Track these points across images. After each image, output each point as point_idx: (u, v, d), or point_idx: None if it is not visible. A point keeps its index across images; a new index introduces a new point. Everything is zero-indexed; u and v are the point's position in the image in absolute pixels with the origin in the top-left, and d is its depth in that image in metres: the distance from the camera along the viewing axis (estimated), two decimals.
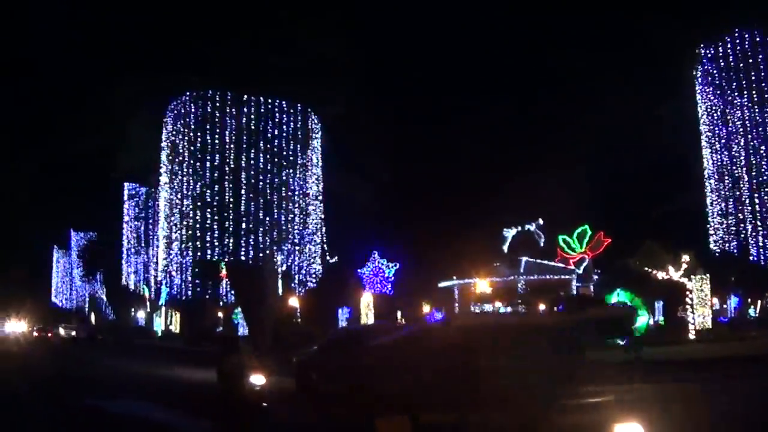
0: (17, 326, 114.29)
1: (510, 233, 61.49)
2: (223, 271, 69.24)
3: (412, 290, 76.65)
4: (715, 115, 59.63)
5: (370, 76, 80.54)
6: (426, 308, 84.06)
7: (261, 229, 61.80)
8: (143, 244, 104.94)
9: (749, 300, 77.88)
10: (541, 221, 60.66)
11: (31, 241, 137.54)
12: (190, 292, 68.77)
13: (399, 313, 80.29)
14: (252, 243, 61.33)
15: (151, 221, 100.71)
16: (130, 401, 24.46)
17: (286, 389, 24.29)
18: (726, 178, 59.21)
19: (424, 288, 75.70)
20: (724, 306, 77.10)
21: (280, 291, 63.60)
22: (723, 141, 59.07)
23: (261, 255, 61.39)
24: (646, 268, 47.62)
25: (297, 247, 64.99)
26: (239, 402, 18.12)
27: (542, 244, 60.27)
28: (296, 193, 64.28)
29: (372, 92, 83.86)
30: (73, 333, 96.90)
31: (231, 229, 61.04)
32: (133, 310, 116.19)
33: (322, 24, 66.73)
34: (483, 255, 63.63)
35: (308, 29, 64.62)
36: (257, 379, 18.82)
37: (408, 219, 79.44)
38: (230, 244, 61.17)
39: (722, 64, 58.02)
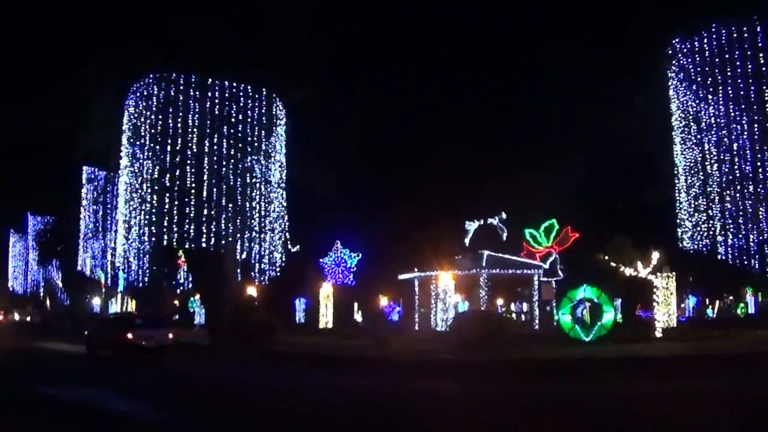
0: None
1: (472, 226, 60.65)
2: (182, 258, 68.57)
3: (372, 282, 76.19)
4: (688, 109, 59.57)
5: (339, 64, 79.74)
6: (383, 301, 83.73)
7: (223, 215, 61.18)
8: (101, 229, 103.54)
9: (707, 300, 78.32)
10: (504, 215, 59.91)
11: None
12: (147, 279, 67.94)
13: (356, 305, 79.82)
14: (214, 230, 60.72)
15: (109, 206, 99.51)
16: (86, 389, 23.72)
17: None
18: (697, 174, 59.14)
19: (385, 280, 75.29)
20: (682, 305, 77.35)
21: (240, 279, 63.01)
22: (695, 137, 59.01)
23: (223, 242, 60.77)
24: (614, 264, 47.38)
25: (259, 235, 64.33)
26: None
27: (505, 238, 59.61)
28: (259, 180, 63.65)
29: (340, 80, 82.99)
30: (28, 318, 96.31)
31: (192, 215, 60.39)
32: (88, 296, 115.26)
33: (292, 7, 66.09)
34: (446, 248, 63.18)
35: (277, 12, 63.98)
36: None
37: (372, 209, 79.14)
38: (191, 231, 60.51)
39: (698, 58, 57.96)
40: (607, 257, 50.80)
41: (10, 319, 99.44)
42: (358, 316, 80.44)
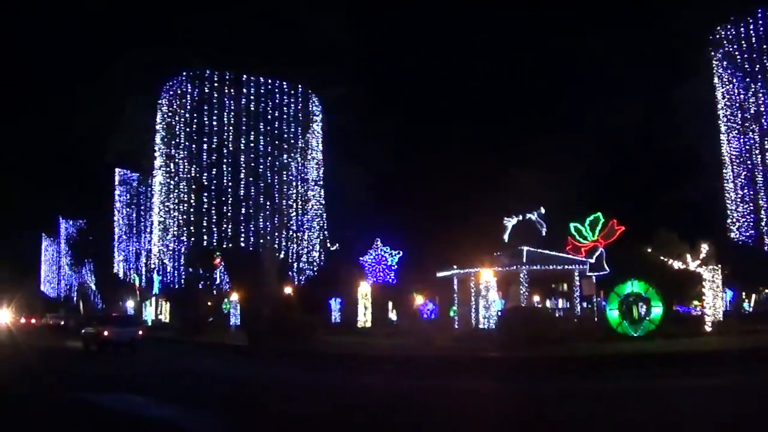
0: (4, 315, 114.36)
1: (511, 222, 60.09)
2: (218, 259, 68.28)
3: (412, 280, 75.74)
4: (734, 98, 58.52)
5: (374, 59, 79.26)
6: (419, 299, 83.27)
7: (261, 214, 60.67)
8: (135, 232, 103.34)
9: (743, 294, 77.42)
10: (542, 210, 59.29)
11: (19, 229, 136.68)
12: (183, 281, 67.58)
13: (390, 304, 79.44)
14: (252, 229, 60.24)
15: (143, 208, 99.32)
16: (123, 394, 23.32)
17: None
18: (744, 164, 58.08)
19: (424, 278, 74.83)
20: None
21: (278, 279, 62.62)
22: (741, 126, 57.97)
23: (261, 241, 60.30)
24: (663, 258, 46.72)
25: (296, 234, 63.84)
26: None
27: (544, 233, 58.98)
28: (296, 178, 63.16)
29: (375, 76, 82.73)
30: (62, 322, 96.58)
31: (229, 214, 59.88)
32: (122, 299, 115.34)
33: (326, 2, 65.40)
34: (485, 244, 62.59)
35: (311, 8, 63.26)
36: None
37: (411, 206, 78.63)
38: (228, 230, 60.01)
39: (744, 45, 56.98)
40: (653, 251, 50.25)
41: (43, 323, 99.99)
42: (392, 315, 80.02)
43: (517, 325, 37.24)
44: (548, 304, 74.90)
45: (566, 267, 56.06)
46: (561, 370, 28.39)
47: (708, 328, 43.61)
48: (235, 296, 74.89)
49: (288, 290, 64.79)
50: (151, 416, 19.14)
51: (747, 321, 54.59)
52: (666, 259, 46.16)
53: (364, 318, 67.44)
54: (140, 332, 49.76)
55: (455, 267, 59.09)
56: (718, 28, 59.05)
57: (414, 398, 22.14)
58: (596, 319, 58.28)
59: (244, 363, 41.22)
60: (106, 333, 46.63)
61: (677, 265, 45.49)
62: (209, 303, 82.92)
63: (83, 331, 51.80)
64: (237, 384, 27.90)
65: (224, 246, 61.58)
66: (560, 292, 77.38)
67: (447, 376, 27.88)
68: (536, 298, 62.56)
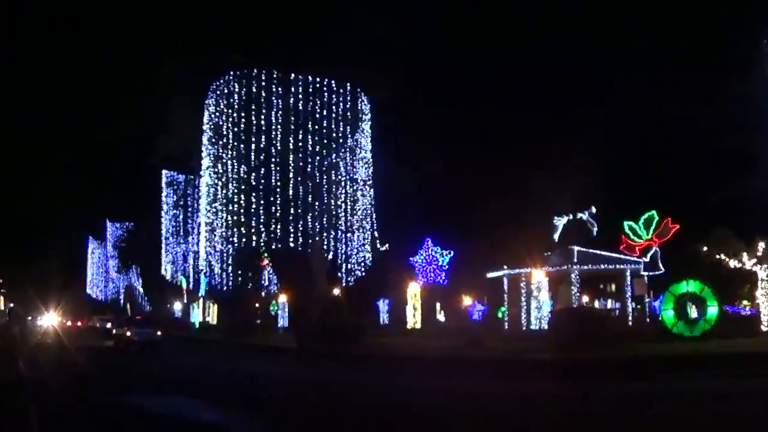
0: (52, 318, 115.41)
1: (561, 222, 59.63)
2: (265, 261, 68.28)
3: (461, 281, 75.44)
4: None
5: (422, 57, 78.95)
6: (467, 300, 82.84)
7: (310, 215, 60.52)
8: (182, 233, 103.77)
9: None
10: (593, 209, 58.83)
11: (66, 231, 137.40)
12: (231, 282, 67.59)
13: (438, 305, 79.06)
14: (301, 229, 60.10)
15: (190, 209, 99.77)
16: (174, 398, 23.28)
17: None
18: None
19: (473, 279, 74.53)
20: None
21: (327, 280, 62.56)
22: None
23: (310, 242, 60.19)
24: (719, 256, 46.24)
25: (345, 235, 63.68)
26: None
27: (595, 233, 58.52)
28: (345, 177, 63.01)
29: (423, 74, 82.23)
30: (108, 324, 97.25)
31: (278, 214, 59.75)
32: (169, 301, 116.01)
33: (371, 2, 65.09)
34: (534, 244, 62.24)
35: (360, 6, 62.97)
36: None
37: (461, 206, 78.33)
38: (278, 231, 59.88)
39: None
40: (709, 249, 49.75)
41: (90, 326, 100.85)
42: (440, 316, 79.76)
43: (572, 326, 36.83)
44: (596, 304, 74.47)
45: (618, 267, 55.68)
46: (622, 371, 28.10)
47: (764, 328, 43.11)
48: (283, 298, 74.88)
49: (336, 291, 64.74)
50: (200, 420, 19.04)
51: None
52: (722, 258, 45.72)
53: (414, 319, 67.25)
54: (158, 332, 56.90)
55: (505, 267, 58.89)
56: None
57: (473, 403, 21.90)
58: (648, 319, 57.82)
59: (293, 365, 41.17)
60: (128, 333, 54.02)
61: (733, 263, 45.07)
62: (257, 305, 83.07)
63: (114, 332, 60.42)
64: (287, 387, 27.79)
65: (273, 247, 61.46)
66: (608, 293, 76.97)
67: (503, 379, 27.65)
68: (585, 299, 62.05)
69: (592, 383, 25.69)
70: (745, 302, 73.15)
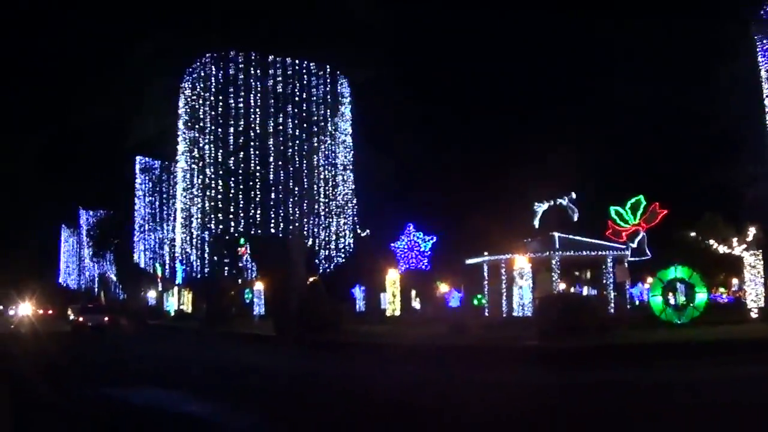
0: (27, 308, 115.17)
1: (541, 208, 59.37)
2: (244, 247, 67.73)
3: (440, 267, 75.35)
4: None
5: (405, 42, 78.41)
6: (443, 288, 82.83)
7: (290, 200, 59.63)
8: (157, 220, 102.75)
9: None
10: (574, 195, 58.51)
11: (39, 220, 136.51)
12: (207, 270, 66.77)
13: (413, 292, 78.73)
14: (282, 215, 59.19)
15: (165, 196, 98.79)
16: (157, 390, 22.64)
17: None
18: None
19: (447, 265, 74.51)
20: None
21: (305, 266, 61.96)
22: None
23: (290, 228, 59.37)
24: (708, 241, 46.08)
25: (325, 221, 62.92)
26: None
27: (576, 219, 58.23)
28: (324, 162, 62.18)
29: (402, 61, 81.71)
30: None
31: (257, 199, 58.84)
32: (144, 289, 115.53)
33: None
34: (515, 231, 61.96)
35: None
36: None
37: (440, 192, 78.12)
38: (257, 216, 58.96)
39: None
40: (697, 234, 49.72)
41: (66, 315, 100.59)
42: (415, 303, 79.63)
43: (559, 313, 36.35)
44: (572, 290, 74.52)
45: (600, 253, 55.50)
46: (615, 358, 27.77)
47: (754, 315, 42.95)
48: (258, 285, 74.44)
49: (314, 278, 64.22)
50: (180, 412, 18.43)
51: None
52: (711, 243, 45.60)
53: (392, 306, 66.85)
54: (106, 319, 70.96)
55: (486, 254, 58.58)
56: (764, 5, 57.98)
57: (461, 392, 21.37)
58: (628, 306, 57.72)
59: (271, 354, 40.83)
60: (81, 319, 68.97)
61: (722, 249, 44.98)
62: (232, 292, 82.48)
63: (71, 318, 76.40)
64: (267, 377, 27.29)
65: (251, 233, 60.60)
66: (584, 279, 77.15)
67: (491, 367, 27.12)
68: (562, 286, 61.96)
69: (597, 371, 25.25)
70: (722, 289, 73.26)
